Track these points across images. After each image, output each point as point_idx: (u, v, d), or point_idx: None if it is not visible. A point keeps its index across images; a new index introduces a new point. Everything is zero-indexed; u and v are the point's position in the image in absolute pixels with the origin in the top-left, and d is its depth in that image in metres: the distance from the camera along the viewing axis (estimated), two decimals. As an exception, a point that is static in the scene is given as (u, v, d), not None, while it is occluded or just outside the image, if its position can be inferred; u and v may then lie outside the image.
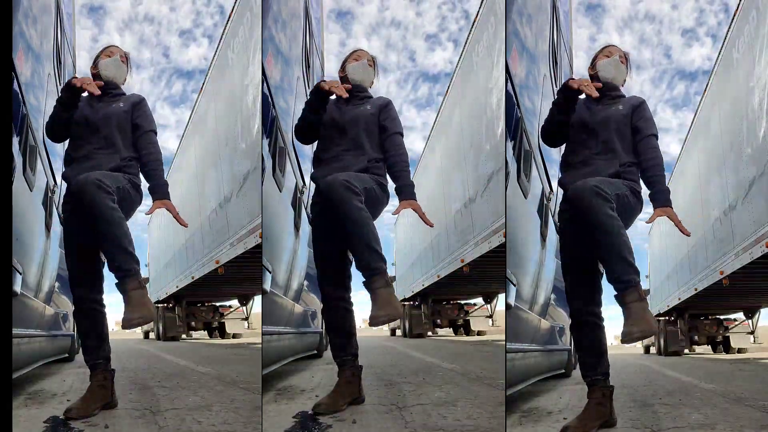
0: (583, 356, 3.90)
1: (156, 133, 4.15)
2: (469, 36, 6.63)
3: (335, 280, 4.13)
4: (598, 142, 3.87)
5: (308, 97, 4.15)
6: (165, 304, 7.87)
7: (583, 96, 3.88)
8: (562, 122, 3.92)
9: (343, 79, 4.24)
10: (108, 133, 4.03)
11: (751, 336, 10.29)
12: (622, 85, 4.05)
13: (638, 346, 11.05)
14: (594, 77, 4.01)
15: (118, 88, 4.18)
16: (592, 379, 3.86)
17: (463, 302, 7.52)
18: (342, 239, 3.93)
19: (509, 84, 4.44)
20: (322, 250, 4.14)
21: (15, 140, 4.51)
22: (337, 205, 3.83)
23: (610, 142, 3.86)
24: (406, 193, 4.04)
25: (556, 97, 3.95)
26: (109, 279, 3.96)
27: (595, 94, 3.79)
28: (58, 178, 5.69)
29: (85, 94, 4.01)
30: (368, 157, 4.09)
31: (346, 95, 4.08)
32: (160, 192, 4.03)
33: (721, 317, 10.46)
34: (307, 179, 5.87)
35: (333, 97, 4.11)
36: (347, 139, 4.11)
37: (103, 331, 4.08)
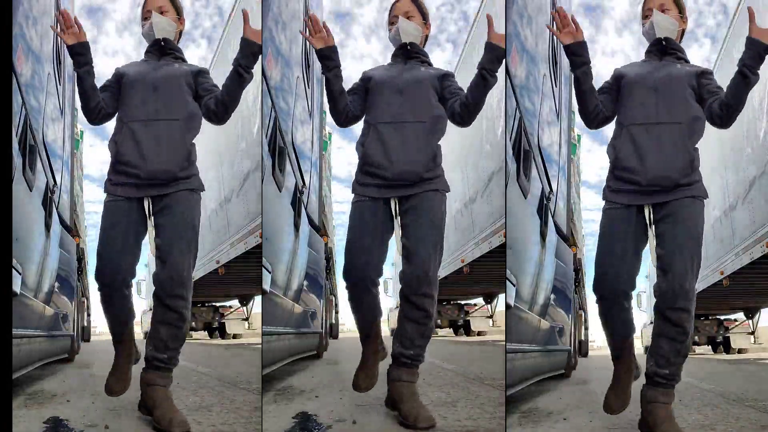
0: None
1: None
2: (468, 36, 6.63)
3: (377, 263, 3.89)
4: (659, 102, 3.55)
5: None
6: (165, 304, 7.86)
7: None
8: (587, 90, 3.64)
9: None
10: (169, 97, 3.72)
11: (752, 336, 10.27)
12: (682, 37, 3.73)
13: (638, 346, 11.05)
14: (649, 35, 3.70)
15: (179, 50, 3.91)
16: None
17: (463, 302, 7.51)
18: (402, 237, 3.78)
19: (509, 84, 4.44)
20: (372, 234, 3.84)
21: (15, 140, 4.51)
22: (431, 221, 3.76)
23: (676, 105, 3.55)
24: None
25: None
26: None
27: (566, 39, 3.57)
28: (58, 178, 5.69)
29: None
30: (435, 134, 3.82)
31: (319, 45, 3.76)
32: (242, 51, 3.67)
33: (721, 317, 10.44)
34: (308, 179, 5.87)
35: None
36: (406, 104, 3.81)
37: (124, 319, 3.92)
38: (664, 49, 3.67)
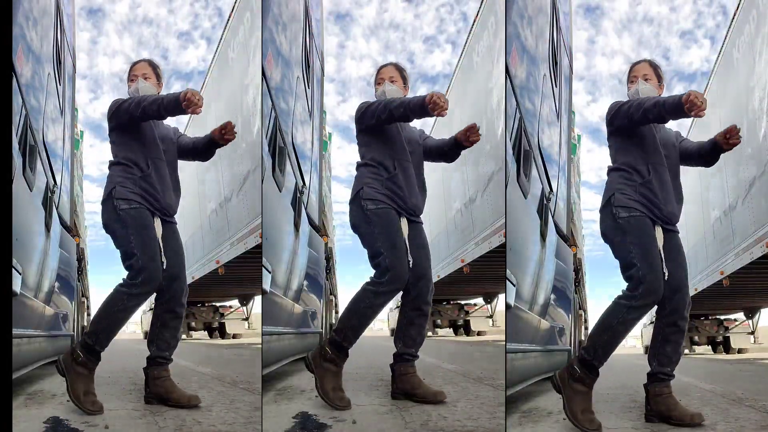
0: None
1: None
2: (469, 36, 6.63)
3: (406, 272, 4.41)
4: (664, 158, 4.16)
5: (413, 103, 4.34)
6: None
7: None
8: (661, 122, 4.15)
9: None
10: (169, 149, 4.44)
11: (752, 336, 10.28)
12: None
13: (638, 346, 11.04)
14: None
15: None
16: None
17: (463, 302, 7.51)
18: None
19: (509, 84, 4.44)
20: (398, 238, 4.36)
21: (15, 140, 4.51)
22: (428, 248, 4.49)
23: (674, 161, 4.22)
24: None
25: (665, 101, 4.02)
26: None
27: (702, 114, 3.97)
28: (58, 178, 5.69)
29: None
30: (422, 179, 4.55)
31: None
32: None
33: (721, 317, 10.44)
34: (308, 179, 5.87)
35: None
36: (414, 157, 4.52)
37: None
38: None
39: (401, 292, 4.39)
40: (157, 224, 4.29)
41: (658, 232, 4.09)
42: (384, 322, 7.68)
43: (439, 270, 7.13)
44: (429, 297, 4.43)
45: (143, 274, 4.16)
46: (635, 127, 4.12)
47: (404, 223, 4.41)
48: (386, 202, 4.38)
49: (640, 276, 3.98)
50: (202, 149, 4.51)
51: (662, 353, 4.13)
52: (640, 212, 4.07)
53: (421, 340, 4.45)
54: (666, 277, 4.02)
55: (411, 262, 4.36)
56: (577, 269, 6.61)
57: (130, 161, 4.29)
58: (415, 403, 4.29)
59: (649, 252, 4.02)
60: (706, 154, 4.27)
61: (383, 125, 4.42)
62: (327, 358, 4.28)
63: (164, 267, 4.25)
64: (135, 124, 4.29)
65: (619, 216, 4.07)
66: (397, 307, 6.59)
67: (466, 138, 4.48)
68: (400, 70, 4.64)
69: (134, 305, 4.21)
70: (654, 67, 4.32)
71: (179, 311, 4.34)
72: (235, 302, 7.76)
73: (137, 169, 4.30)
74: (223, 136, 4.36)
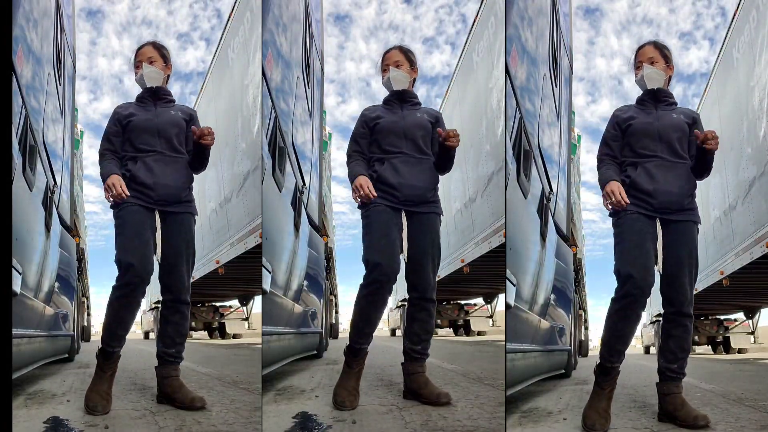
0: (617, 343, 4.05)
1: None
2: (469, 36, 6.63)
3: (395, 268, 4.32)
4: (663, 147, 4.08)
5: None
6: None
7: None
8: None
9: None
10: (170, 137, 4.31)
11: (752, 336, 10.28)
12: (668, 84, 4.25)
13: (638, 347, 11.04)
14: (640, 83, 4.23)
15: (169, 94, 4.44)
16: (613, 366, 4.05)
17: (463, 302, 7.51)
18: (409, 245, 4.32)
19: (509, 85, 4.44)
20: (388, 235, 4.27)
21: (15, 141, 4.52)
22: (433, 239, 4.38)
23: (677, 146, 4.09)
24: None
25: (600, 175, 4.13)
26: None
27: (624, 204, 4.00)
28: (58, 178, 5.69)
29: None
30: (430, 163, 4.38)
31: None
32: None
33: (721, 317, 10.45)
34: (308, 179, 5.88)
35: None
36: (410, 144, 4.36)
37: (131, 323, 4.30)
38: (657, 98, 4.20)
39: (400, 290, 4.40)
40: (157, 217, 4.25)
41: (657, 226, 4.04)
42: (384, 322, 7.69)
43: (439, 270, 7.11)
44: (428, 293, 4.37)
45: (121, 270, 4.14)
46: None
47: (403, 217, 4.31)
48: (376, 201, 4.28)
49: (616, 270, 4.00)
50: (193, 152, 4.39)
51: (666, 349, 4.09)
52: (630, 210, 4.03)
53: (427, 337, 4.37)
54: (661, 272, 4.02)
55: (406, 257, 4.32)
56: (577, 269, 6.61)
57: (122, 160, 4.29)
58: (417, 402, 4.29)
59: (631, 247, 3.98)
60: (698, 163, 4.15)
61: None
62: (345, 358, 4.31)
63: (160, 261, 4.24)
64: (117, 135, 4.32)
65: (613, 216, 4.09)
66: (398, 306, 6.61)
67: (446, 137, 4.28)
68: (405, 52, 4.49)
69: (119, 300, 4.16)
70: (659, 48, 4.22)
71: (178, 306, 4.28)
72: (235, 302, 7.76)
73: (125, 168, 4.26)
74: (199, 141, 4.25)
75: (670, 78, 4.26)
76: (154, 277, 4.26)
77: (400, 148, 4.34)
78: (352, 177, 4.30)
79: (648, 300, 3.99)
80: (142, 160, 4.25)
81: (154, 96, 4.39)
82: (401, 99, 4.44)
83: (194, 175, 4.42)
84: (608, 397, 4.03)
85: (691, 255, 4.06)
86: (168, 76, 4.47)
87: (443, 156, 4.36)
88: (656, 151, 4.08)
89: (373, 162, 4.36)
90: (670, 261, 4.04)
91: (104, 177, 4.21)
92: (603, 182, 4.07)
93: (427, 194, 4.35)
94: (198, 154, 4.32)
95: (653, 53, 4.20)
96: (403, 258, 4.34)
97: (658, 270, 4.06)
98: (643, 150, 4.09)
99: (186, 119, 4.40)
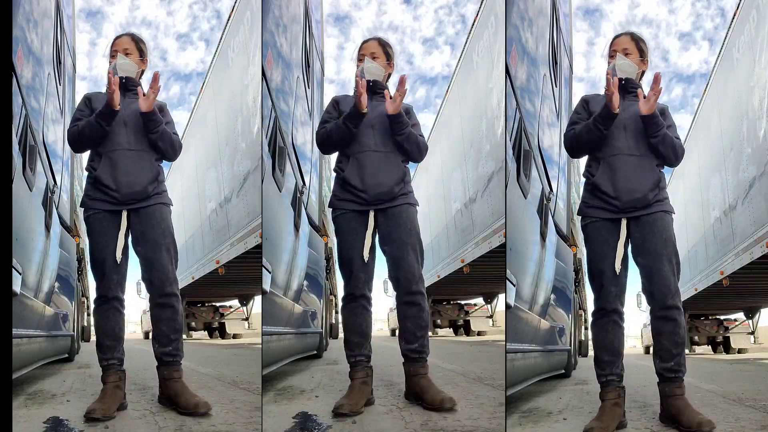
0: (602, 355, 3.99)
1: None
2: (469, 36, 6.63)
3: (362, 279, 4.23)
4: (628, 137, 3.95)
5: (348, 113, 4.18)
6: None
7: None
8: (603, 137, 3.97)
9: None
10: (138, 130, 4.14)
11: (752, 336, 10.27)
12: (641, 77, 4.10)
13: (638, 347, 11.04)
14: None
15: (138, 85, 4.26)
16: (608, 379, 3.97)
17: (463, 302, 7.52)
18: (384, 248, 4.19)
19: (509, 85, 4.44)
20: (351, 248, 4.21)
21: (15, 141, 4.52)
22: (409, 230, 4.17)
23: (640, 138, 3.95)
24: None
25: (594, 117, 3.95)
26: (130, 280, 4.21)
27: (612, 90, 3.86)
28: (58, 179, 5.70)
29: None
30: (401, 158, 4.24)
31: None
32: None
33: (721, 317, 10.44)
34: (308, 179, 5.88)
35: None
36: (377, 135, 4.23)
37: (121, 331, 4.17)
38: (624, 88, 4.02)
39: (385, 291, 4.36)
40: (123, 218, 4.11)
41: (623, 227, 3.92)
42: (384, 322, 7.69)
43: (439, 270, 7.13)
44: (413, 285, 4.16)
45: (96, 280, 4.14)
46: (597, 143, 3.98)
47: (370, 217, 4.19)
48: (343, 208, 4.23)
49: (590, 281, 4.02)
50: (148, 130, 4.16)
51: (660, 347, 3.94)
52: (593, 218, 3.98)
53: (422, 333, 4.19)
54: (639, 268, 3.94)
55: (387, 256, 4.21)
56: (577, 269, 6.60)
57: (89, 165, 4.18)
58: (407, 404, 4.27)
59: (597, 260, 3.97)
60: (656, 150, 3.94)
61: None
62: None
63: (140, 260, 4.15)
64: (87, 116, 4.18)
65: (582, 225, 4.07)
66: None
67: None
68: (383, 45, 4.35)
69: (98, 312, 4.14)
70: (636, 40, 4.08)
71: (165, 301, 4.10)
72: (235, 302, 7.76)
73: (91, 170, 4.15)
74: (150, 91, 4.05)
75: (643, 73, 4.10)
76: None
77: (367, 139, 4.20)
78: (341, 122, 4.18)
79: (644, 297, 3.98)
80: (107, 156, 4.10)
81: (123, 88, 4.21)
82: (372, 90, 4.28)
83: (172, 163, 4.28)
84: (610, 411, 3.92)
85: (666, 244, 3.90)
86: (142, 71, 4.31)
87: (402, 143, 4.20)
88: (620, 141, 3.94)
89: (340, 157, 4.26)
90: (645, 255, 3.92)
91: (100, 113, 4.05)
92: (592, 121, 3.94)
93: (395, 189, 4.19)
94: (150, 128, 4.11)
95: (629, 44, 4.07)
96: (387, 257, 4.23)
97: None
98: (604, 146, 3.95)
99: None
